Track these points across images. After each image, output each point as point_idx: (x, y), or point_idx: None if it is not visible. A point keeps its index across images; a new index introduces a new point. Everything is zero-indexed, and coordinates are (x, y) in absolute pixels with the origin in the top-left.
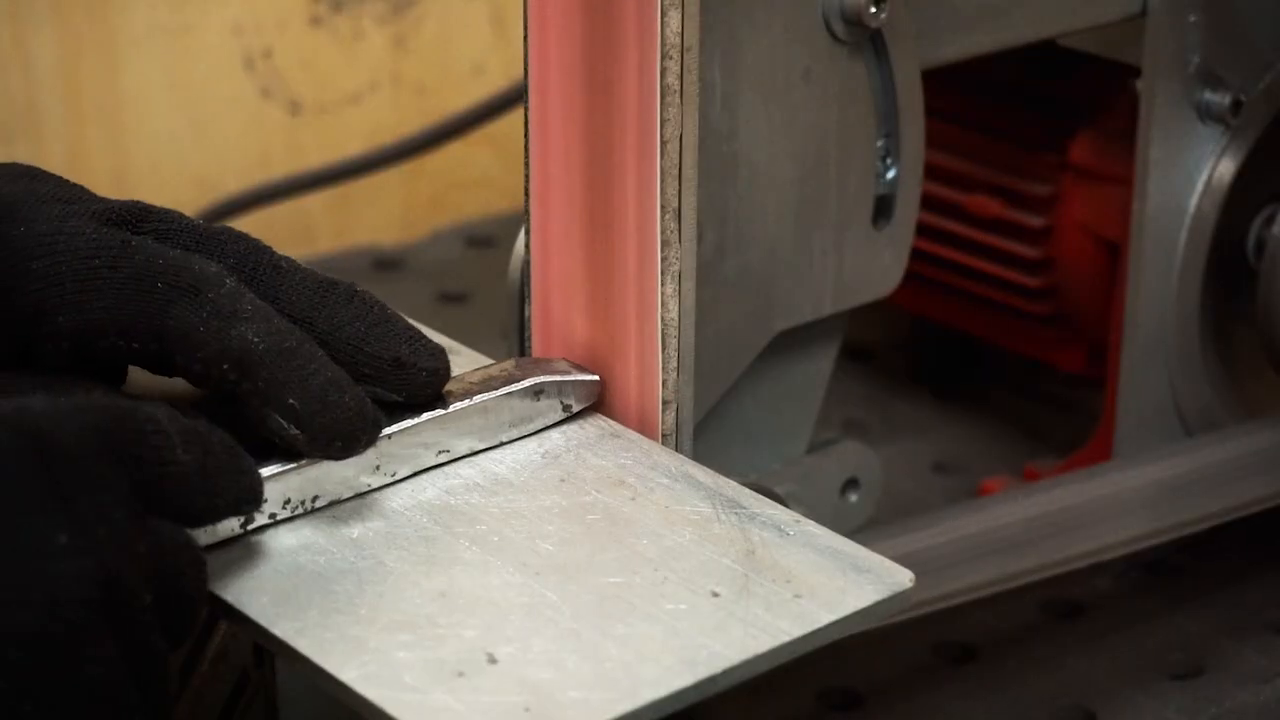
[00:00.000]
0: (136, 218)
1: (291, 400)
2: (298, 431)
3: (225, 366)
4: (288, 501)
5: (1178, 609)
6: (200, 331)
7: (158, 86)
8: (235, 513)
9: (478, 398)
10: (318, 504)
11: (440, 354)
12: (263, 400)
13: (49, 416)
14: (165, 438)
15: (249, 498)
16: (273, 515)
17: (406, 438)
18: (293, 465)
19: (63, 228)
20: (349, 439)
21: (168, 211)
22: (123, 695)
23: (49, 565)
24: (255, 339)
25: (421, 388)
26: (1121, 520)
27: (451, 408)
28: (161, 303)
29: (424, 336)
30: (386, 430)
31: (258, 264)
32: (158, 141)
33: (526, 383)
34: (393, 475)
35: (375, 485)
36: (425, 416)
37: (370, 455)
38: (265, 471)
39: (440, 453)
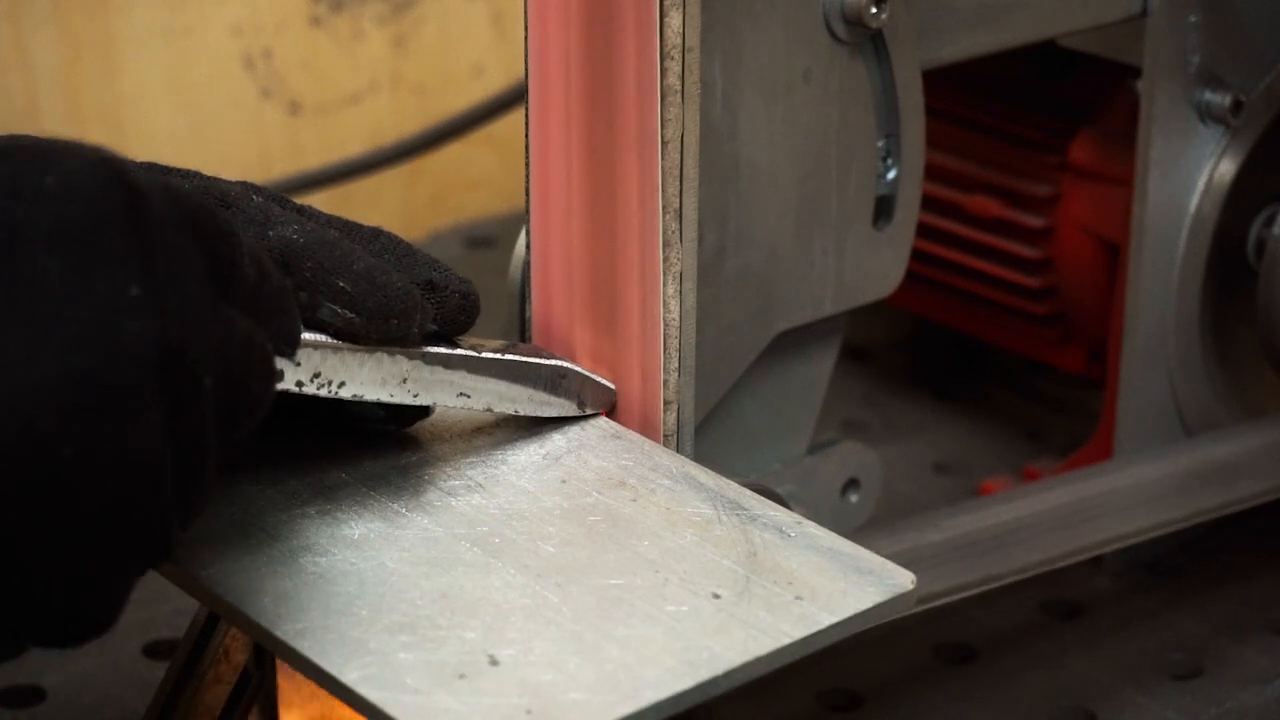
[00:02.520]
0: (159, 170)
1: (342, 284)
2: (353, 315)
3: None
4: (317, 375)
5: (1178, 609)
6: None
7: (158, 86)
8: (273, 348)
9: (509, 355)
10: (341, 391)
11: (469, 282)
12: (312, 290)
13: (147, 179)
14: (240, 244)
15: (288, 338)
16: (299, 383)
17: (438, 364)
18: (333, 343)
19: None
20: (404, 315)
21: (187, 170)
22: (157, 466)
23: (116, 315)
24: (294, 235)
25: (456, 311)
26: (1121, 516)
27: (484, 354)
28: None
29: (450, 267)
30: (426, 348)
31: (283, 205)
32: (158, 141)
33: (554, 362)
34: (414, 396)
35: (396, 399)
36: (459, 352)
37: (401, 368)
38: (306, 337)
39: (460, 394)
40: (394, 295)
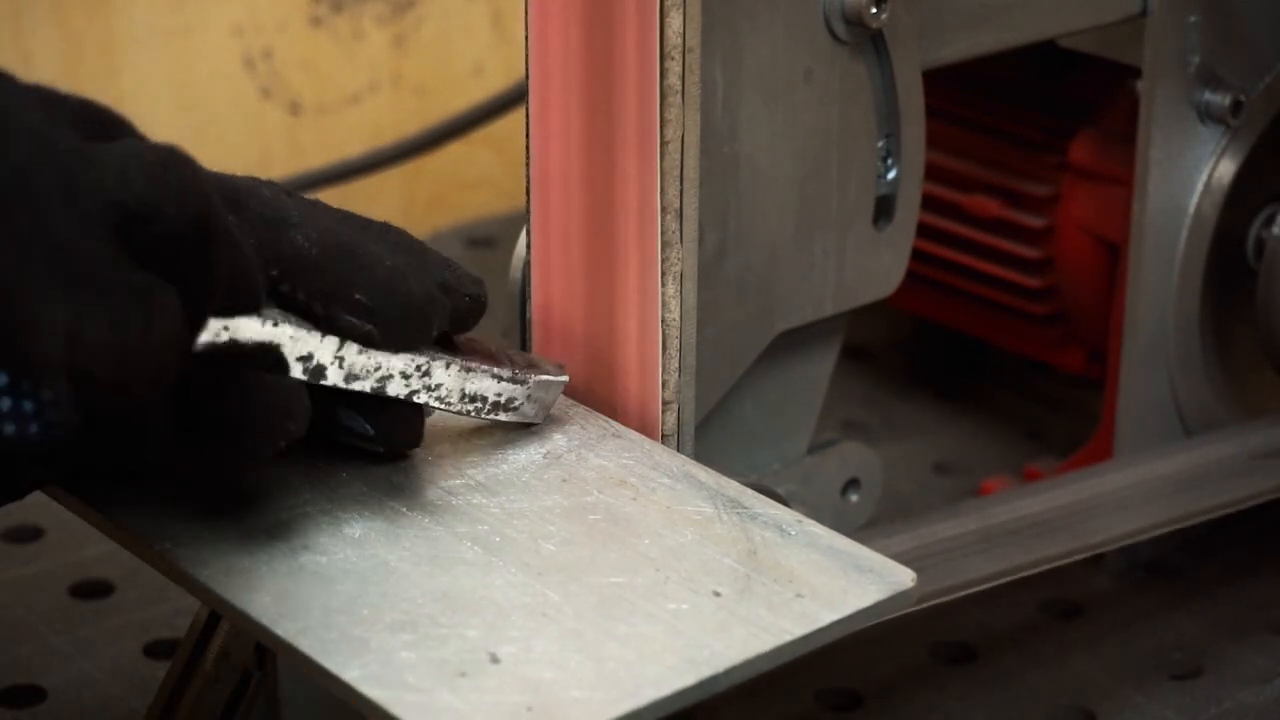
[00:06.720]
0: None
1: (359, 296)
2: (371, 326)
3: (274, 273)
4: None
5: (1178, 609)
6: (250, 243)
7: (158, 86)
8: None
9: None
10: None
11: (481, 282)
12: (328, 301)
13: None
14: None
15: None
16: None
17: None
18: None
19: None
20: (422, 323)
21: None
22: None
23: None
24: (308, 246)
25: (465, 314)
26: (1121, 516)
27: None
28: None
29: (460, 265)
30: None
31: (291, 197)
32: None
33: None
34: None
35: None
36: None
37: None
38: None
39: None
40: (413, 304)
